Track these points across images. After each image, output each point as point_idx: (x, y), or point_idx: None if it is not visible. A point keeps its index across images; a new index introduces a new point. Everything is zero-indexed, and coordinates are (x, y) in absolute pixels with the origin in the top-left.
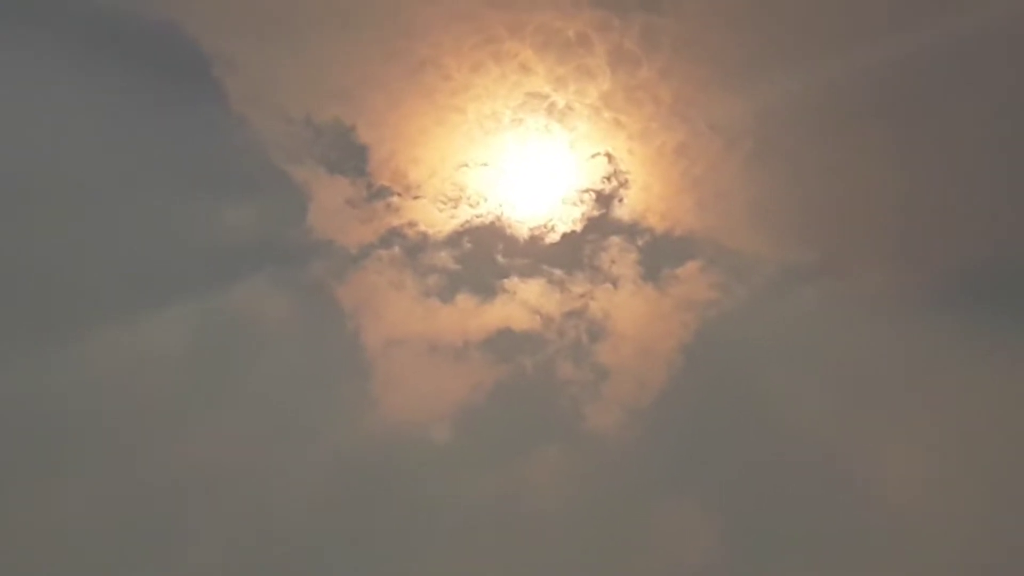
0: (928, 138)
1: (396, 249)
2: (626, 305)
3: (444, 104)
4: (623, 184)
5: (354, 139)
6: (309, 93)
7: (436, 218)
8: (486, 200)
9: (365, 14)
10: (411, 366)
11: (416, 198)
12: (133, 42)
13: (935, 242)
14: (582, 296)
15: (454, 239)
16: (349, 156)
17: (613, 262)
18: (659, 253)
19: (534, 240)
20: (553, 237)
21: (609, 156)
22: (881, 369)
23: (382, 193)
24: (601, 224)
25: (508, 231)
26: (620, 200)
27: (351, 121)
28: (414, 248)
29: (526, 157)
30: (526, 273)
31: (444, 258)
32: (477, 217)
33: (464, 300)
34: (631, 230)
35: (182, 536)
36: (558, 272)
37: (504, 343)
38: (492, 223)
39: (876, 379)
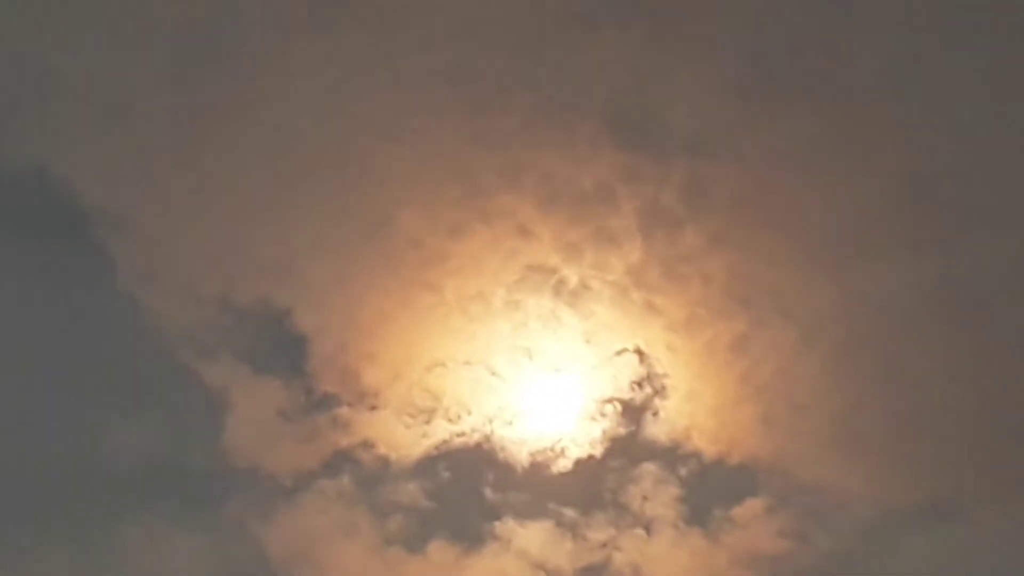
0: None
1: (346, 479)
2: (664, 558)
3: (412, 280)
4: (659, 392)
5: (288, 327)
6: (227, 264)
7: (401, 437)
8: (470, 413)
9: (303, 157)
10: None
11: (373, 409)
12: None
13: None
14: (604, 546)
15: (426, 466)
16: (281, 351)
17: (646, 499)
18: (709, 487)
19: (537, 468)
20: (563, 464)
21: (640, 353)
22: None
23: (327, 402)
24: (630, 447)
25: (501, 456)
26: (655, 414)
27: (285, 303)
28: (371, 478)
29: (526, 354)
30: (526, 513)
31: (412, 492)
32: (458, 436)
33: (440, 550)
34: (670, 455)
35: None
36: (570, 512)
37: None
38: (479, 445)
39: None
